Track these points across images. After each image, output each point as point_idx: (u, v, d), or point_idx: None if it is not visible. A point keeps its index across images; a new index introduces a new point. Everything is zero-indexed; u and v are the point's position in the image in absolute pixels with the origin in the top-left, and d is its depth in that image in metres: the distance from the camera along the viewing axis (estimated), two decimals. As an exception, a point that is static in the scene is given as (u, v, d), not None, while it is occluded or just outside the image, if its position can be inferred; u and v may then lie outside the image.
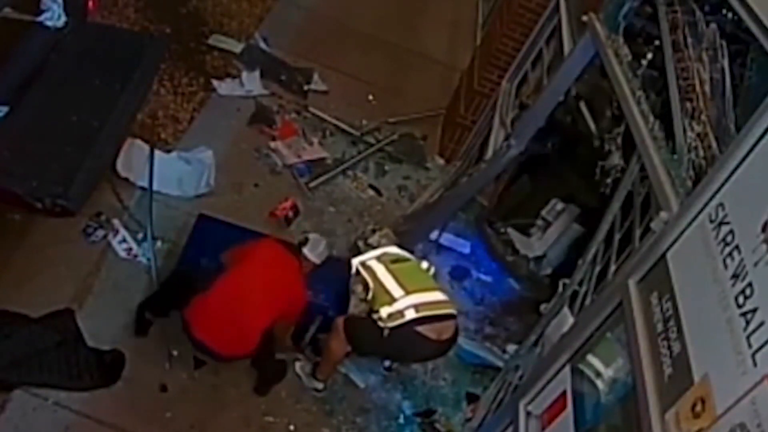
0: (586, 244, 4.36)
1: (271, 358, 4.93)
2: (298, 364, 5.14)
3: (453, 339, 4.76)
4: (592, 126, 4.99)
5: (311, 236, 5.07)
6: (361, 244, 5.06)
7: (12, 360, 4.54)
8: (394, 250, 4.97)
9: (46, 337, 4.69)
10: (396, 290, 4.61)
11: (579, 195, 5.62)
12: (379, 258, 4.82)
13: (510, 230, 6.23)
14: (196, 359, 4.96)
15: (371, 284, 4.66)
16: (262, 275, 4.72)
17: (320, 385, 5.06)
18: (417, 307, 4.58)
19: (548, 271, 5.99)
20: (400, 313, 4.54)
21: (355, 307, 4.79)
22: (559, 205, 5.95)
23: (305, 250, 4.93)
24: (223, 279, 4.67)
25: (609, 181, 4.27)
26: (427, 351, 4.77)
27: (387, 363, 5.32)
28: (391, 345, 4.61)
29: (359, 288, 4.75)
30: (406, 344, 4.65)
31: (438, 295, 4.76)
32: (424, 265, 5.04)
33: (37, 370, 4.56)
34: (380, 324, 4.54)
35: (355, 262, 4.82)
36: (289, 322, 4.94)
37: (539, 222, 6.12)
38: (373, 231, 5.17)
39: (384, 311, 4.54)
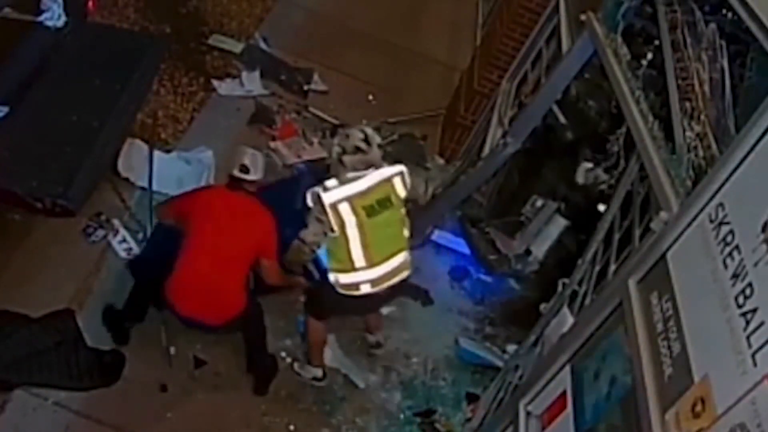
0: (575, 238, 4.37)
1: (263, 354, 4.91)
2: (296, 364, 5.13)
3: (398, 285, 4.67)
4: (562, 119, 5.00)
5: (245, 155, 4.57)
6: (336, 152, 4.42)
7: (12, 360, 4.55)
8: (372, 180, 4.38)
9: (46, 337, 4.69)
10: (359, 260, 4.38)
11: (559, 190, 5.62)
12: (353, 204, 4.30)
13: (490, 229, 6.22)
14: (196, 359, 4.96)
15: (337, 234, 4.32)
16: (218, 226, 4.39)
17: (319, 372, 5.02)
18: (373, 282, 4.46)
19: (535, 267, 5.98)
20: (356, 286, 4.46)
21: (314, 236, 4.57)
22: (539, 202, 5.93)
23: (246, 176, 4.51)
24: (183, 249, 4.39)
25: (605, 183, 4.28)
26: (374, 303, 4.84)
27: (373, 339, 5.33)
28: (342, 304, 4.60)
29: (320, 227, 4.41)
30: (354, 304, 4.64)
31: (399, 259, 4.52)
32: (400, 189, 4.52)
33: (37, 370, 4.57)
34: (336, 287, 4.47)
35: (327, 200, 4.26)
36: (271, 258, 4.56)
37: (522, 219, 6.11)
38: (356, 150, 4.39)
39: (341, 278, 4.44)
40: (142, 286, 4.88)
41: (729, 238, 2.59)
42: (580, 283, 4.11)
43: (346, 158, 4.35)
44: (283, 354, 5.20)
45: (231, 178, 4.57)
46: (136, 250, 5.37)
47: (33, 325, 4.73)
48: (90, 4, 6.41)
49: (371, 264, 4.41)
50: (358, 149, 4.35)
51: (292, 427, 4.91)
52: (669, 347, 2.72)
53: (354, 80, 7.65)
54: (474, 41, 8.18)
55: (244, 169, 4.49)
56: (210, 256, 4.40)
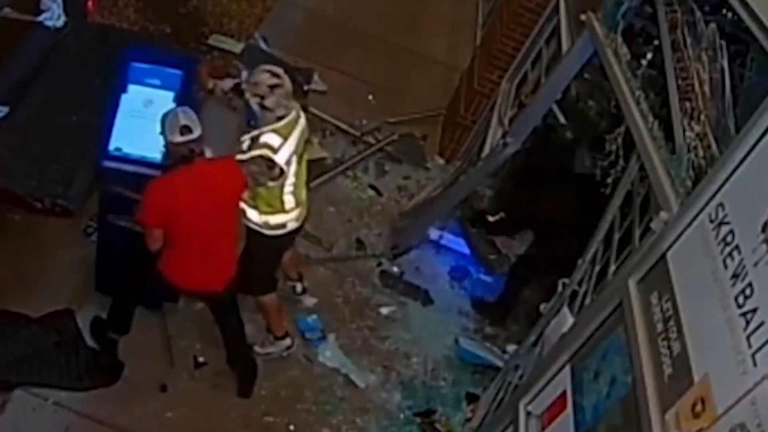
0: (575, 238, 4.38)
1: (243, 347, 4.89)
2: (262, 347, 5.10)
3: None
4: (562, 119, 5.00)
5: (177, 117, 4.17)
6: (256, 102, 4.41)
7: (12, 360, 4.55)
8: (300, 126, 4.53)
9: (46, 337, 4.69)
10: (290, 202, 4.62)
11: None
12: (297, 155, 4.49)
13: None
14: (196, 359, 4.96)
15: (275, 185, 4.48)
16: (199, 208, 4.25)
17: (288, 341, 5.12)
18: (297, 218, 4.74)
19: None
20: (284, 225, 4.68)
21: (250, 164, 4.45)
22: None
23: (191, 135, 4.17)
24: (175, 236, 4.28)
25: (608, 180, 4.27)
26: (292, 239, 4.99)
27: (299, 286, 5.42)
28: (266, 250, 4.77)
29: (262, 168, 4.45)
30: (277, 244, 4.81)
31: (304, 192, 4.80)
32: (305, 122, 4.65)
33: (37, 370, 4.57)
34: (260, 229, 4.63)
35: (280, 160, 4.39)
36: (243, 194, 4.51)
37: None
38: (272, 88, 4.36)
39: (271, 219, 4.62)
40: (119, 300, 4.79)
41: (729, 238, 2.59)
42: (580, 283, 4.11)
43: (268, 101, 4.38)
44: (284, 354, 5.21)
45: (176, 145, 4.17)
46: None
47: (33, 325, 4.73)
48: (90, 4, 6.42)
49: (298, 204, 4.68)
50: (273, 87, 4.37)
51: (292, 427, 4.91)
52: (669, 347, 2.72)
53: (354, 80, 7.64)
54: (474, 41, 8.18)
55: (186, 130, 4.14)
56: (203, 234, 4.32)
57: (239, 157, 4.45)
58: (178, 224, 4.26)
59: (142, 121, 4.71)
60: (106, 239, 4.97)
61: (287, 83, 4.44)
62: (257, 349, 5.08)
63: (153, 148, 4.60)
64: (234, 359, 4.87)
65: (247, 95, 4.48)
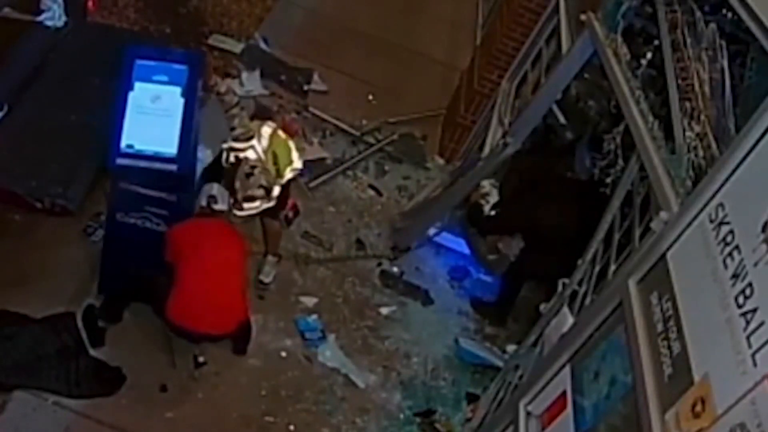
0: (575, 238, 4.38)
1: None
2: (261, 277, 5.52)
3: None
4: (562, 119, 5.01)
5: (211, 189, 4.96)
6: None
7: (13, 363, 4.54)
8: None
9: (47, 342, 4.68)
10: (294, 154, 5.24)
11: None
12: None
13: None
14: (196, 359, 4.96)
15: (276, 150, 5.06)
16: (208, 253, 4.70)
17: (275, 257, 5.59)
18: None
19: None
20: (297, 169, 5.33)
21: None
22: None
23: (215, 206, 4.92)
24: (181, 278, 4.61)
25: (608, 180, 4.27)
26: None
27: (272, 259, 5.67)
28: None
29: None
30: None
31: None
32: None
33: (37, 375, 4.56)
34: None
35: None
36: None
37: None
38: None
39: (289, 169, 5.19)
40: (118, 293, 4.99)
41: (729, 238, 2.59)
42: (580, 283, 4.11)
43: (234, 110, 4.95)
44: (284, 354, 5.21)
45: (201, 208, 4.91)
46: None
47: (34, 327, 4.71)
48: (90, 4, 6.42)
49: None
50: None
51: (292, 427, 4.91)
52: (669, 347, 2.72)
53: (354, 80, 7.65)
54: (474, 41, 8.18)
55: (213, 200, 4.88)
56: (209, 277, 4.65)
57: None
58: (181, 259, 4.61)
59: (152, 117, 4.77)
60: (113, 238, 5.00)
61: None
62: (263, 278, 5.51)
63: (166, 143, 4.69)
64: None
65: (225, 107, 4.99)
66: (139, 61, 4.84)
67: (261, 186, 4.96)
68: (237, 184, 4.95)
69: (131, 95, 4.78)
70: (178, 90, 4.84)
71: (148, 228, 4.87)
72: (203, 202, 4.90)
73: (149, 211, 4.85)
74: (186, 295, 4.61)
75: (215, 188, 4.95)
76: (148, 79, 4.83)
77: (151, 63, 4.86)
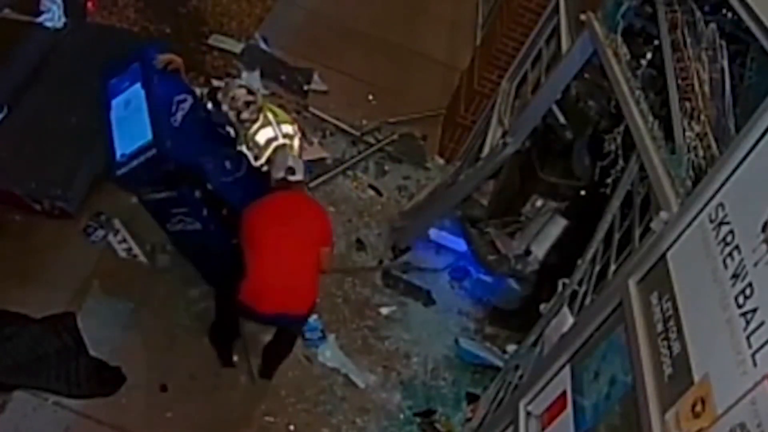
0: (576, 237, 4.37)
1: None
2: None
3: None
4: (562, 119, 5.02)
5: (288, 159, 4.87)
6: (233, 115, 4.94)
7: (13, 363, 4.54)
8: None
9: (47, 342, 4.68)
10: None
11: (560, 189, 5.61)
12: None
13: (491, 229, 6.21)
14: (196, 359, 4.96)
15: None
16: (284, 227, 4.64)
17: None
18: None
19: (535, 267, 5.98)
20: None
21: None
22: (539, 202, 5.93)
23: (293, 177, 4.81)
24: (255, 256, 4.57)
25: (609, 180, 4.26)
26: None
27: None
28: None
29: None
30: None
31: None
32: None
33: (36, 375, 4.56)
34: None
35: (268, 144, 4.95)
36: (329, 245, 4.92)
37: (522, 219, 6.11)
38: (233, 98, 4.94)
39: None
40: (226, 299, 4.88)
41: (729, 238, 2.59)
42: (580, 283, 4.11)
43: (244, 114, 4.92)
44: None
45: (278, 180, 4.81)
46: (136, 249, 5.36)
47: (35, 328, 4.71)
48: (90, 4, 6.42)
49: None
50: (249, 103, 4.94)
51: (292, 427, 4.91)
52: (669, 347, 2.72)
53: (354, 80, 7.65)
54: (474, 41, 8.19)
55: (291, 171, 4.79)
56: (285, 254, 4.57)
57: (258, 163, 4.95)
58: (253, 237, 4.59)
59: (129, 120, 4.99)
60: (182, 249, 5.26)
61: (260, 98, 5.04)
62: None
63: (143, 135, 4.84)
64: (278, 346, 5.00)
65: (224, 107, 4.95)
66: (109, 82, 5.17)
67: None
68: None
69: (112, 114, 5.06)
70: (138, 86, 5.06)
71: (189, 230, 4.97)
72: (281, 174, 4.79)
73: (177, 213, 4.94)
74: (262, 275, 4.54)
75: (290, 159, 4.85)
76: (118, 92, 5.14)
77: (117, 78, 5.16)
